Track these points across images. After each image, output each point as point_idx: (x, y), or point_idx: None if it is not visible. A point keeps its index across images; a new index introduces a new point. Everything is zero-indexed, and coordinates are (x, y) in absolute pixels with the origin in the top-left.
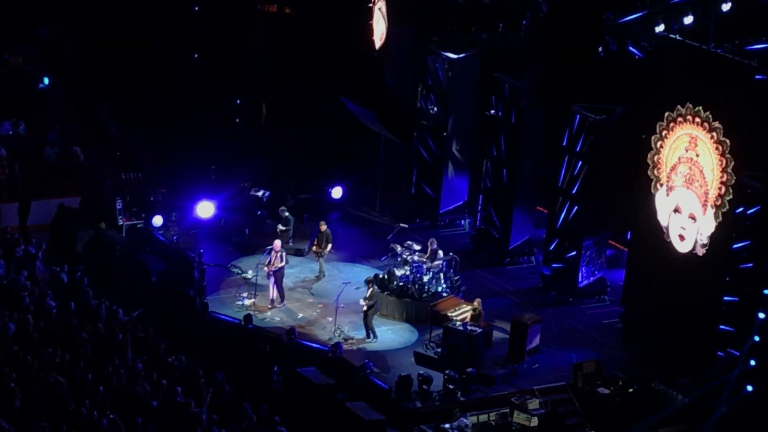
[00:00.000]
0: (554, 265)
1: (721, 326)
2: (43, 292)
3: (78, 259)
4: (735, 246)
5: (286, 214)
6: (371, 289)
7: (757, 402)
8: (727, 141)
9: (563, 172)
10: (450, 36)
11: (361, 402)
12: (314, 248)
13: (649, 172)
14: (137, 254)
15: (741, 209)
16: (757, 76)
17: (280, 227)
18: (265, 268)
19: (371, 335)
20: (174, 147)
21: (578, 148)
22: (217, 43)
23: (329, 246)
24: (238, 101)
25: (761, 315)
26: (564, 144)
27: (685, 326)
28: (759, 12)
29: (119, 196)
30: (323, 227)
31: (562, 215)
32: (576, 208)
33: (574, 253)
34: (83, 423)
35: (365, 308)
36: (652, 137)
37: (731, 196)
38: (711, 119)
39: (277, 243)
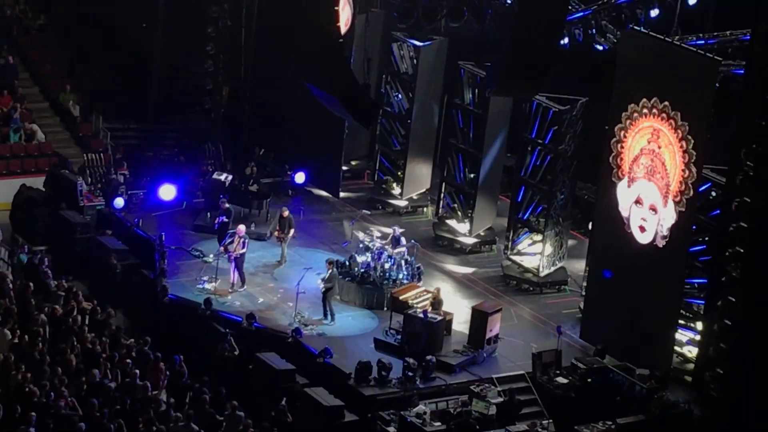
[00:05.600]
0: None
1: (680, 317)
2: (2, 273)
3: (38, 239)
4: (695, 238)
5: (227, 205)
6: (330, 271)
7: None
8: (690, 134)
9: (526, 161)
10: (416, 23)
11: (321, 387)
12: (276, 233)
13: (611, 161)
14: (98, 236)
15: (701, 202)
16: (720, 70)
17: (224, 219)
18: (221, 248)
19: (329, 316)
20: (137, 129)
21: (542, 138)
22: (181, 23)
23: (291, 231)
24: (208, 87)
25: (719, 304)
26: (527, 133)
27: (645, 317)
28: (724, 6)
29: (81, 176)
30: (285, 213)
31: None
32: (538, 197)
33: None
34: (38, 404)
35: (323, 289)
36: (616, 127)
37: (692, 189)
38: (674, 113)
39: (241, 228)
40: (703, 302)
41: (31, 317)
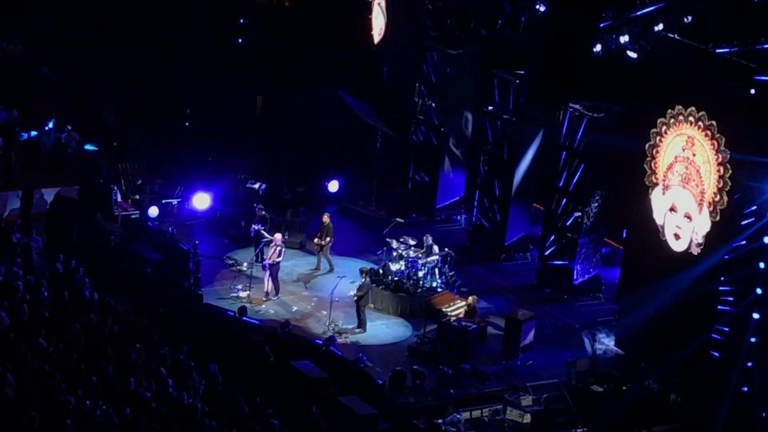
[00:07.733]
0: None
1: (716, 326)
2: (37, 282)
3: (73, 248)
4: (730, 245)
5: (263, 212)
6: (363, 280)
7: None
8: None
9: (560, 169)
10: (449, 32)
11: (354, 396)
12: (316, 240)
13: (645, 171)
14: (132, 245)
15: (736, 209)
16: (755, 78)
17: (260, 227)
18: (255, 257)
19: (361, 326)
20: (171, 138)
21: (575, 146)
22: (214, 34)
23: (328, 239)
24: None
25: (755, 315)
26: (561, 141)
27: (679, 325)
28: (757, 13)
29: (116, 186)
30: (326, 219)
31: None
32: (572, 205)
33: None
34: (74, 412)
35: (356, 298)
36: (650, 135)
37: (727, 197)
38: (708, 120)
39: (278, 236)
40: (737, 310)
41: (67, 326)
